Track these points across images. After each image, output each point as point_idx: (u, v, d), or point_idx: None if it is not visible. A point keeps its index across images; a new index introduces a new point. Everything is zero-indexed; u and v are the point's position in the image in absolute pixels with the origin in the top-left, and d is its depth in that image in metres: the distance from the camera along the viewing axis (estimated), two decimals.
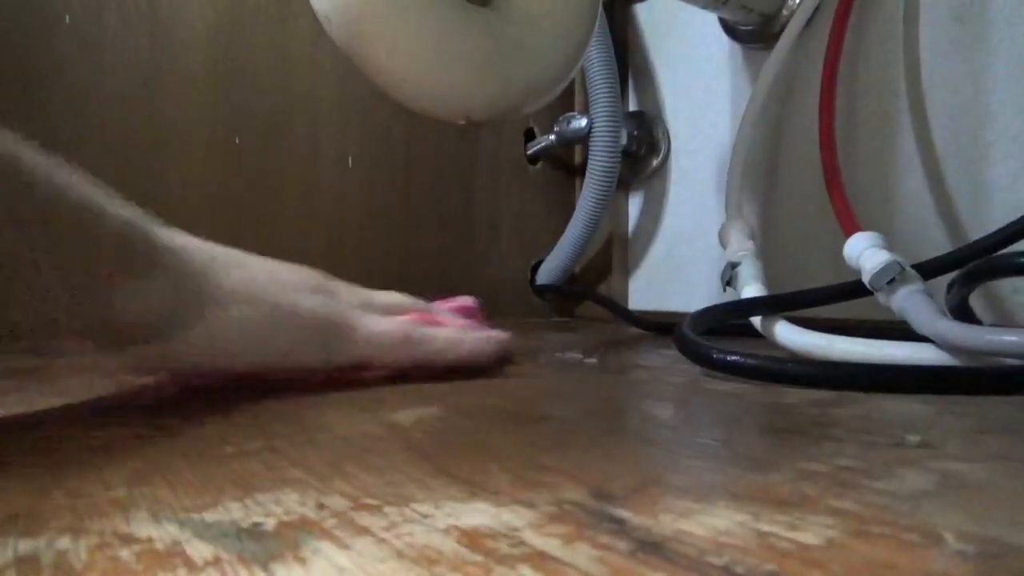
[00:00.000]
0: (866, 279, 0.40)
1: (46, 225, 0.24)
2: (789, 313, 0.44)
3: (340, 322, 0.32)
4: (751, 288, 0.48)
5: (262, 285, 0.30)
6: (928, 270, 0.39)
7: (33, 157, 0.25)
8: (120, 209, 0.27)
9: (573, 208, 0.82)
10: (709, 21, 0.72)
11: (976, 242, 0.42)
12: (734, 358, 0.33)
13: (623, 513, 0.15)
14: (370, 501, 0.17)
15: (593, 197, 0.77)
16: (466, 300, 0.41)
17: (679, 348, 0.38)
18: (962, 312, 0.38)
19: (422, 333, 0.35)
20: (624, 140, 0.78)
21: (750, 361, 0.33)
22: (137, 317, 0.26)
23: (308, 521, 0.15)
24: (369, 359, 0.33)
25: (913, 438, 0.22)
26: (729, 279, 0.50)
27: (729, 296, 0.51)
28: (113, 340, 0.26)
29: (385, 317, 0.34)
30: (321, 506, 0.16)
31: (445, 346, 0.35)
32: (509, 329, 0.40)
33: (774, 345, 0.43)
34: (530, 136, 0.86)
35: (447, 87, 0.45)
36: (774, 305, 0.44)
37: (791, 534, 0.14)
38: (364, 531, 0.15)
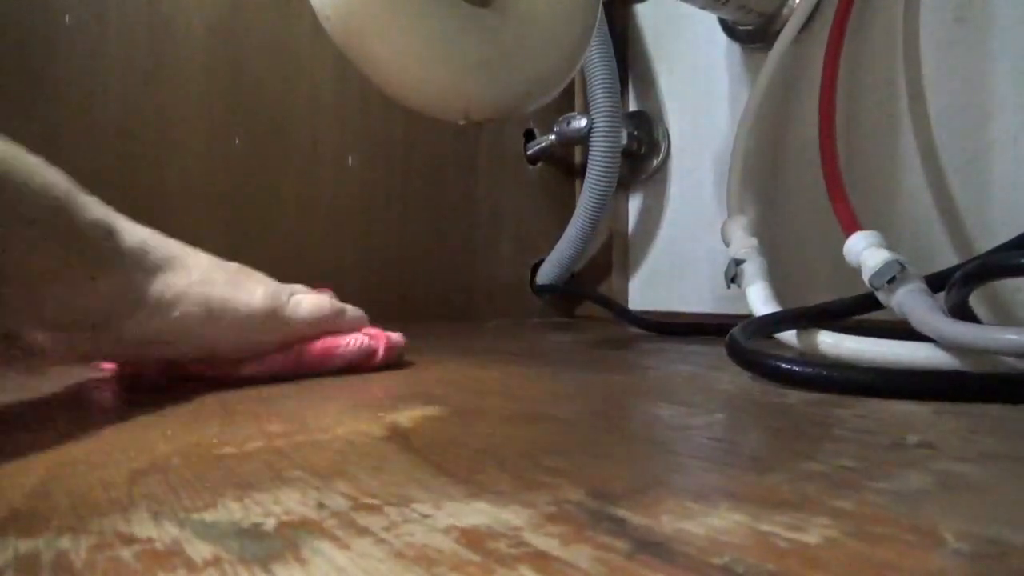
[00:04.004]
0: (866, 278, 0.40)
1: (17, 223, 0.26)
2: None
3: (273, 307, 0.36)
4: (756, 285, 0.48)
5: (206, 284, 0.34)
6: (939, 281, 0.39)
7: (15, 155, 0.26)
8: (87, 210, 0.29)
9: (573, 208, 0.82)
10: (709, 21, 0.72)
11: (988, 253, 0.42)
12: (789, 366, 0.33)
13: (623, 513, 0.15)
14: (370, 501, 0.17)
15: (593, 197, 0.77)
16: (327, 288, 0.44)
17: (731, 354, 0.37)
18: (962, 312, 0.38)
19: (338, 307, 0.40)
20: (624, 140, 0.78)
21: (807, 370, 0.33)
22: (85, 311, 0.29)
23: (308, 521, 0.15)
24: (302, 335, 0.38)
25: (913, 438, 0.22)
26: (734, 276, 0.50)
27: (733, 293, 0.51)
28: (62, 331, 0.29)
29: (305, 297, 0.39)
30: (321, 506, 0.16)
31: (356, 320, 0.41)
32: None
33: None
34: (530, 136, 0.86)
35: (447, 86, 0.44)
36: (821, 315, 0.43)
37: (791, 534, 0.14)
38: (364, 531, 0.15)
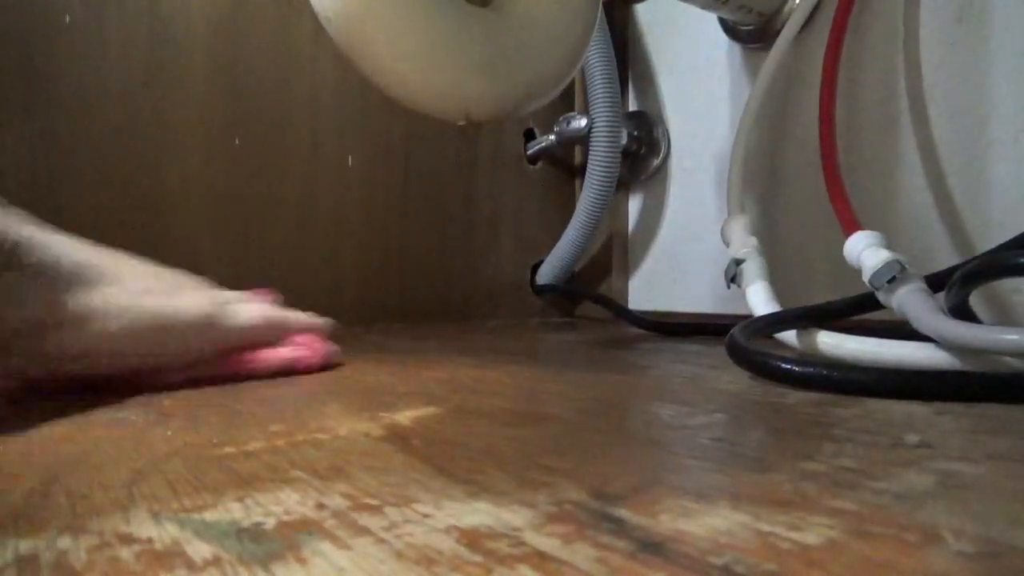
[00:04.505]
0: (866, 278, 0.40)
1: None
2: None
3: (212, 317, 0.36)
4: (756, 285, 0.48)
5: (135, 295, 0.33)
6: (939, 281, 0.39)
7: None
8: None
9: (573, 208, 0.82)
10: (709, 21, 0.72)
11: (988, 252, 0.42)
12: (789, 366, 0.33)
13: (623, 513, 0.15)
14: (370, 501, 0.17)
15: (593, 197, 0.77)
16: (267, 293, 0.44)
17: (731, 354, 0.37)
18: (962, 312, 0.38)
19: (278, 315, 0.41)
20: (624, 140, 0.78)
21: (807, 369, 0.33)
22: (11, 333, 0.29)
23: (308, 521, 0.15)
24: (240, 342, 0.38)
25: (913, 438, 0.22)
26: (734, 276, 0.50)
27: (733, 293, 0.51)
28: None
29: (243, 305, 0.39)
30: (321, 506, 0.16)
31: (310, 322, 0.42)
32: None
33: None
34: (530, 136, 0.86)
35: (447, 87, 0.45)
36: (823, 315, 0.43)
37: (791, 534, 0.14)
38: (364, 531, 0.15)
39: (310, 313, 0.43)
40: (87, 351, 0.31)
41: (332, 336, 0.43)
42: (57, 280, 0.30)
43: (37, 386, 0.33)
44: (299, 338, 0.41)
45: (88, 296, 0.31)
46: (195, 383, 0.35)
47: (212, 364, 0.37)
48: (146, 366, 0.34)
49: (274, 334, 0.40)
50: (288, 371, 0.39)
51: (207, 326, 0.36)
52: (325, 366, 0.40)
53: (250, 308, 0.39)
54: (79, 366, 0.32)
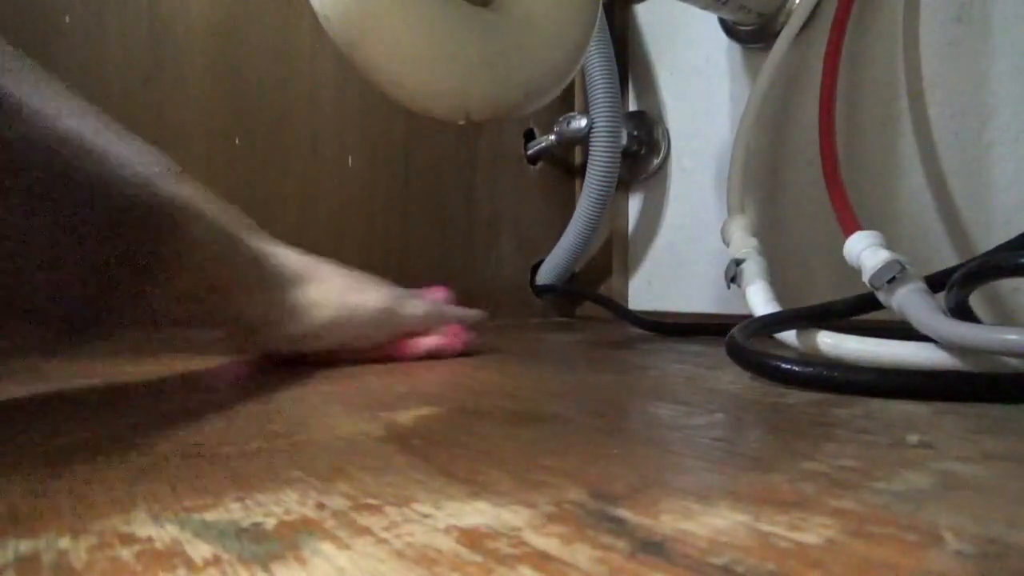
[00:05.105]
0: (866, 278, 0.40)
1: (199, 255, 0.35)
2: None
3: (391, 310, 0.45)
4: (756, 286, 0.48)
5: (338, 292, 0.43)
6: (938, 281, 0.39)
7: (206, 205, 0.36)
8: (248, 237, 0.39)
9: (573, 208, 0.82)
10: (709, 21, 0.72)
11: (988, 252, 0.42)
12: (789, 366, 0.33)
13: (623, 513, 0.15)
14: (370, 501, 0.17)
15: (593, 197, 0.77)
16: (441, 290, 0.52)
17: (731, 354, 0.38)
18: (962, 312, 0.38)
19: (438, 308, 0.49)
20: (624, 140, 0.78)
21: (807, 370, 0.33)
22: (245, 320, 0.38)
23: (308, 521, 0.15)
24: (413, 331, 0.46)
25: (913, 438, 0.22)
26: (734, 276, 0.50)
27: (733, 293, 0.51)
28: (228, 332, 0.40)
29: (413, 300, 0.47)
30: (321, 506, 0.16)
31: (463, 314, 0.50)
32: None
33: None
34: (530, 136, 0.86)
35: (447, 87, 0.44)
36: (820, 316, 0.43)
37: (791, 534, 0.14)
38: (364, 531, 0.15)
39: (464, 308, 0.51)
40: (306, 335, 0.41)
41: (477, 327, 0.50)
42: (285, 281, 0.40)
43: (271, 359, 0.44)
44: (451, 328, 0.48)
45: (306, 293, 0.41)
46: (373, 361, 0.44)
47: (389, 347, 0.45)
48: (344, 347, 0.43)
49: (435, 324, 0.47)
50: (436, 355, 0.47)
51: (387, 317, 0.44)
52: (464, 351, 0.48)
53: (417, 303, 0.47)
54: (301, 346, 0.42)
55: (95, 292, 0.30)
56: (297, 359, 0.43)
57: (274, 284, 0.40)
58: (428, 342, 0.47)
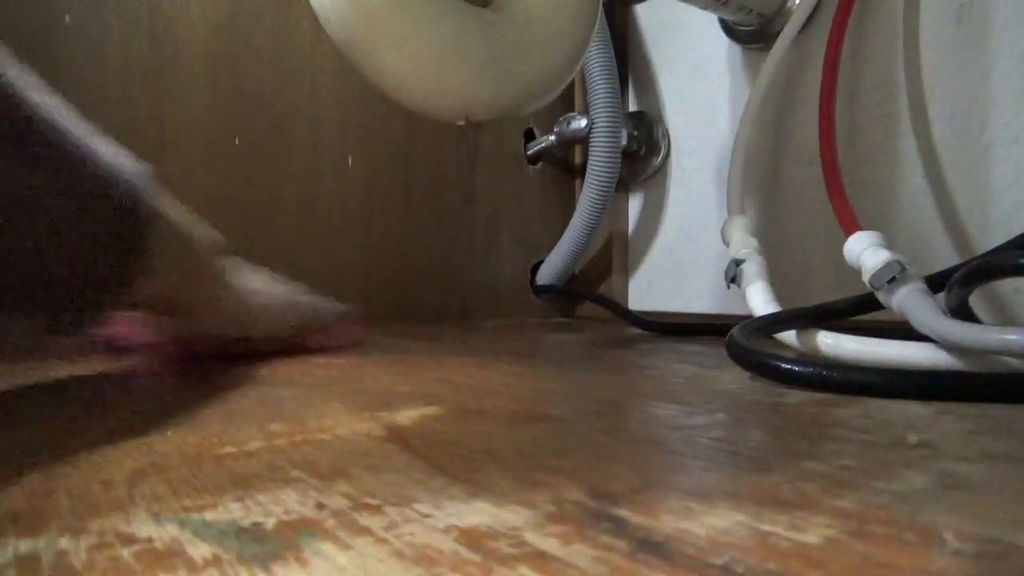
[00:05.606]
0: (866, 278, 0.40)
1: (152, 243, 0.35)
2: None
3: (309, 303, 0.49)
4: (756, 285, 0.48)
5: (263, 281, 0.46)
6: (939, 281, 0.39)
7: (171, 205, 0.37)
8: (194, 226, 0.39)
9: (573, 208, 0.82)
10: (709, 21, 0.72)
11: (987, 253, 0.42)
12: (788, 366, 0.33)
13: (623, 513, 0.15)
14: (370, 501, 0.17)
15: (593, 197, 0.77)
16: None
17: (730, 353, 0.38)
18: (962, 312, 0.38)
19: (337, 306, 0.52)
20: (624, 140, 0.78)
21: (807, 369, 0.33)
22: (185, 299, 0.39)
23: (308, 521, 0.15)
24: (328, 327, 0.50)
25: (913, 438, 0.22)
26: (734, 276, 0.50)
27: (733, 293, 0.51)
28: (165, 312, 0.40)
29: (316, 297, 0.50)
30: (321, 506, 0.16)
31: (344, 312, 0.53)
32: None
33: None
34: (530, 136, 0.86)
35: (447, 88, 0.44)
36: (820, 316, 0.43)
37: (791, 534, 0.14)
38: (364, 531, 0.15)
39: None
40: (240, 317, 0.42)
41: (361, 322, 0.54)
42: (221, 264, 0.41)
43: (196, 349, 0.44)
44: (347, 323, 0.52)
45: (239, 276, 0.43)
46: (284, 354, 0.46)
47: (299, 339, 0.47)
48: (268, 336, 0.45)
49: (333, 319, 0.51)
50: (343, 347, 0.50)
51: (306, 310, 0.47)
52: (359, 343, 0.52)
53: (315, 298, 0.49)
54: (232, 329, 0.43)
55: (83, 281, 0.31)
56: (211, 352, 0.43)
57: (214, 262, 0.41)
58: (336, 335, 0.50)
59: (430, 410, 0.28)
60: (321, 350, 0.48)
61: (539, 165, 0.87)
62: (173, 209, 0.37)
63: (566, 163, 0.90)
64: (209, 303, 0.40)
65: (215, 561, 0.13)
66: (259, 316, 0.44)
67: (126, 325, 0.43)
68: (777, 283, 0.49)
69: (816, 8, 0.61)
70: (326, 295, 0.52)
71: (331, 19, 0.42)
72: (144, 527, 0.15)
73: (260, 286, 0.45)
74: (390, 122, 0.75)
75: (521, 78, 0.46)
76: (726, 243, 0.54)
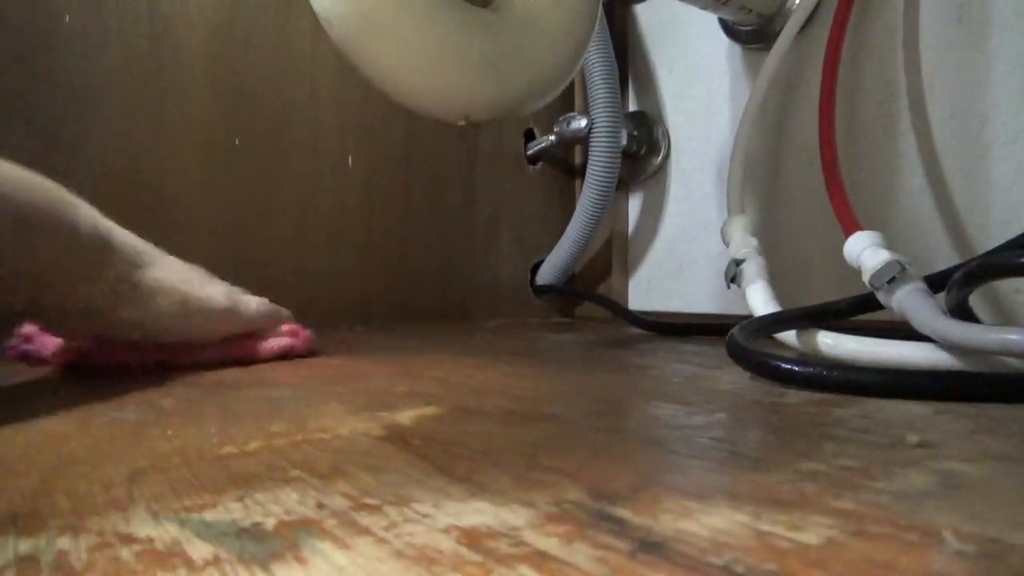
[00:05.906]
0: (866, 278, 0.40)
1: (28, 233, 0.31)
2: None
3: (235, 306, 0.43)
4: (756, 286, 0.48)
5: (181, 281, 0.40)
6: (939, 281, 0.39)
7: (40, 183, 0.33)
8: (88, 218, 0.35)
9: (573, 208, 0.82)
10: (709, 21, 0.72)
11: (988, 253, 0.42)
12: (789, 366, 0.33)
13: (623, 513, 0.15)
14: (370, 501, 0.17)
15: (593, 197, 0.77)
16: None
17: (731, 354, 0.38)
18: (962, 312, 0.38)
19: (273, 307, 0.47)
20: (624, 140, 0.78)
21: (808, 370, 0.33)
22: (86, 305, 0.35)
23: (308, 521, 0.15)
24: (253, 329, 0.45)
25: (913, 438, 0.22)
26: (734, 276, 0.50)
27: (733, 293, 0.51)
28: (66, 322, 0.36)
29: (250, 298, 0.45)
30: (321, 506, 0.16)
31: (286, 317, 0.48)
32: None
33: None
34: (530, 136, 0.86)
35: (447, 88, 0.44)
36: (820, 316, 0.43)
37: (791, 534, 0.14)
38: (364, 531, 0.15)
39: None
40: (146, 323, 0.38)
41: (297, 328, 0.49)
42: (127, 260, 0.37)
43: (92, 357, 0.39)
44: (287, 328, 0.47)
45: (153, 276, 0.38)
46: (212, 365, 0.41)
47: (233, 347, 0.43)
48: (186, 342, 0.41)
49: (272, 324, 0.46)
50: (284, 357, 0.45)
51: (232, 314, 0.43)
52: (312, 352, 0.47)
53: (252, 300, 0.45)
54: (141, 335, 0.38)
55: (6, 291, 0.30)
56: (125, 359, 0.39)
57: (116, 262, 0.36)
58: (277, 343, 0.45)
59: (430, 410, 0.28)
60: (253, 361, 0.44)
61: (539, 165, 0.87)
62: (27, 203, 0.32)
63: (566, 163, 0.90)
64: (104, 303, 0.35)
65: (215, 561, 0.13)
66: (172, 319, 0.39)
67: (33, 337, 0.40)
68: (777, 283, 0.49)
69: (816, 8, 0.61)
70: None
71: (331, 20, 0.42)
72: (144, 527, 0.15)
73: (179, 284, 0.39)
74: (390, 122, 0.75)
75: (521, 78, 0.46)
76: (726, 243, 0.54)
